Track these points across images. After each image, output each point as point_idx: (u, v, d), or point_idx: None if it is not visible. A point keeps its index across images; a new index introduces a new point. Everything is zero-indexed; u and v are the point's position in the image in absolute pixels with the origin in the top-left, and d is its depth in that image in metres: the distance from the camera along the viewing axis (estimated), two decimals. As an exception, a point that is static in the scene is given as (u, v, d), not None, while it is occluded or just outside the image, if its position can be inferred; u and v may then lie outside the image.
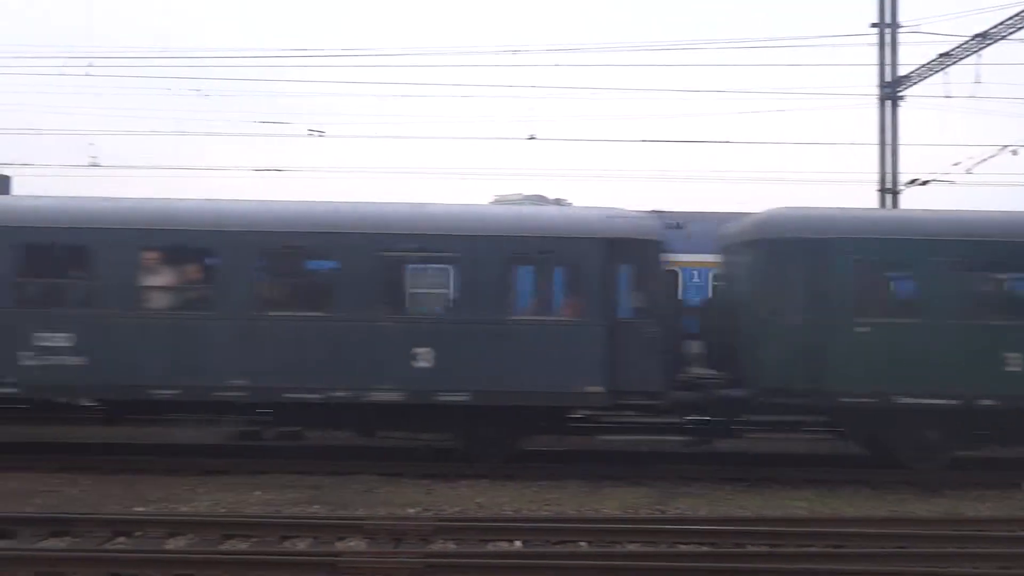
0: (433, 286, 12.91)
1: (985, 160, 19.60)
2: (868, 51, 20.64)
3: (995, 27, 18.56)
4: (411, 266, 12.98)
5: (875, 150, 20.38)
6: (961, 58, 19.11)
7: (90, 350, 12.13)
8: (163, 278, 12.61)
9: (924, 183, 20.29)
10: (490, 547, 8.89)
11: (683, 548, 8.78)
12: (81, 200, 12.84)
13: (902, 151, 20.30)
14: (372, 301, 12.41)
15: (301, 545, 8.83)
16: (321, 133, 21.48)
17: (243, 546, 8.75)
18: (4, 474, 11.87)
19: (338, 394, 12.21)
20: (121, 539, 8.88)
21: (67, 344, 12.13)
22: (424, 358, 12.18)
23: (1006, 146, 19.56)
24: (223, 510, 10.25)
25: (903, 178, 20.38)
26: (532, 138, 19.82)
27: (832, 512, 10.70)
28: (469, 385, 12.22)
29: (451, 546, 8.85)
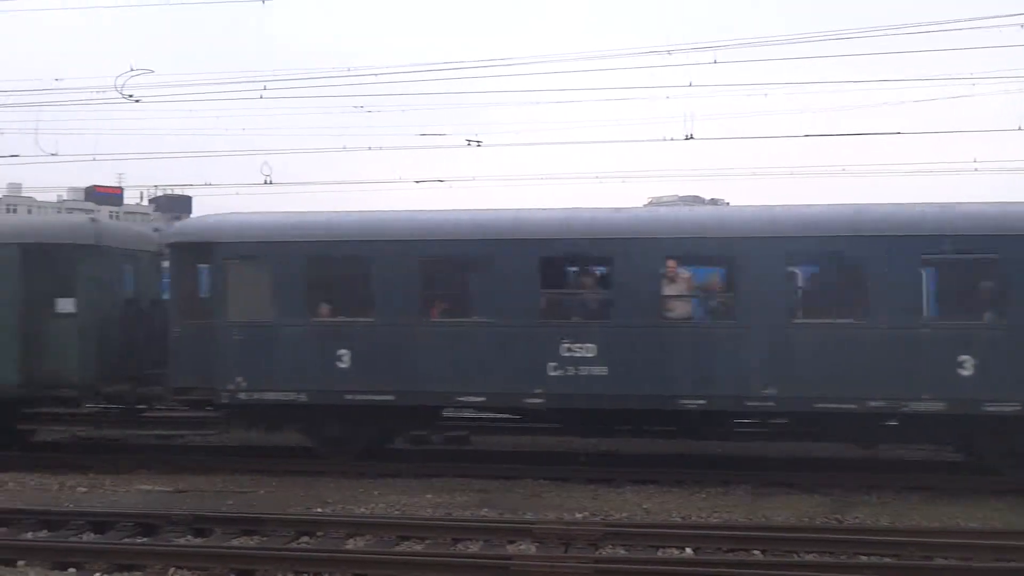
0: (971, 289, 12.15)
1: None
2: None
3: None
4: (946, 269, 12.38)
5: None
6: None
7: (613, 360, 12.11)
8: (685, 287, 12.56)
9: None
10: (660, 553, 8.81)
11: (864, 559, 8.42)
12: (600, 211, 12.95)
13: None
14: (908, 306, 11.77)
15: (473, 548, 9.03)
16: (479, 143, 21.88)
17: (418, 547, 9.04)
18: (196, 476, 12.74)
19: (873, 404, 11.63)
20: (305, 538, 9.35)
21: (591, 355, 12.26)
22: (968, 366, 11.47)
23: None
24: (397, 512, 10.61)
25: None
26: (690, 138, 19.45)
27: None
28: (1020, 395, 11.32)
29: (620, 551, 8.84)
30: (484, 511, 10.65)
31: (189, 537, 9.42)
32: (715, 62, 16.95)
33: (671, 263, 12.25)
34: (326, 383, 12.61)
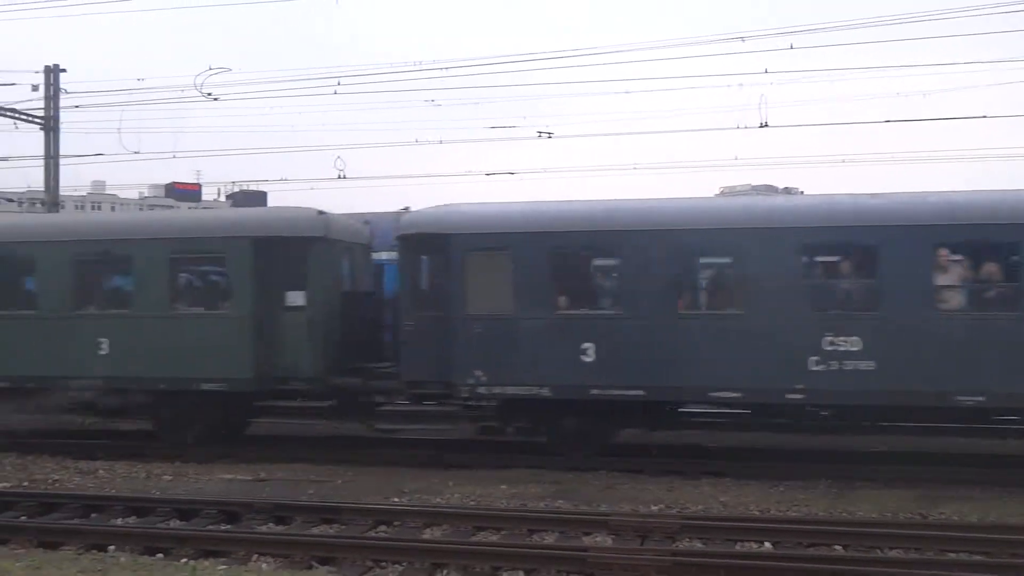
0: None
1: None
2: None
3: None
4: None
5: None
6: None
7: (882, 354, 11.52)
8: (958, 276, 11.99)
9: None
10: (738, 547, 8.70)
11: (952, 556, 8.18)
12: (861, 197, 12.39)
13: None
14: None
15: (549, 539, 9.04)
16: (550, 135, 21.85)
17: (494, 538, 9.08)
18: (275, 465, 13.00)
19: None
20: (382, 527, 9.48)
21: (856, 348, 11.69)
22: None
23: None
24: (473, 503, 10.68)
25: None
26: (764, 125, 19.11)
27: None
28: None
29: (698, 544, 8.74)
30: (559, 503, 10.66)
31: (270, 525, 9.63)
32: (791, 48, 16.57)
33: (943, 252, 11.69)
34: (570, 378, 12.27)
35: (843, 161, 40.40)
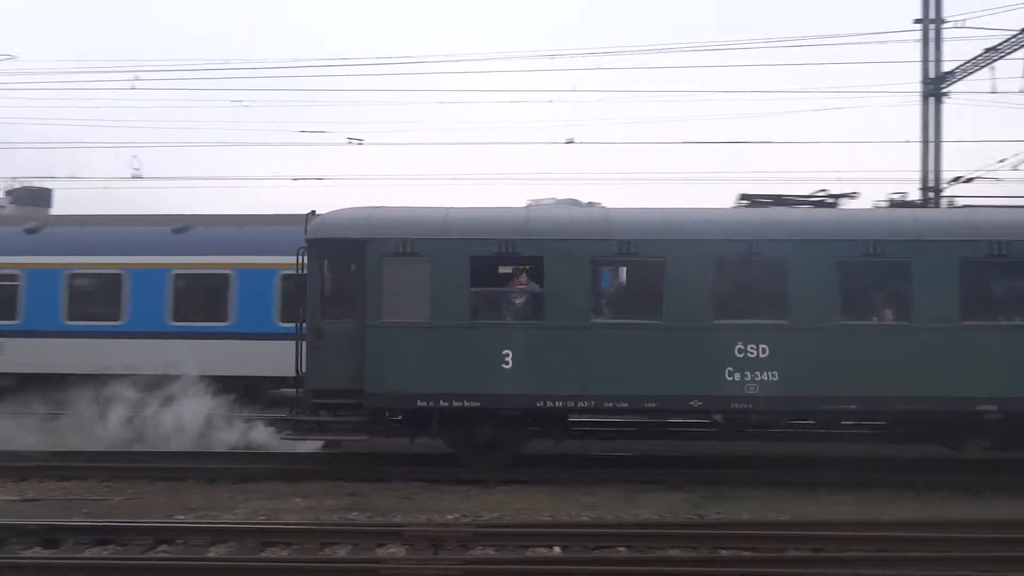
0: None
1: (1032, 156, 18.95)
2: (912, 48, 20.24)
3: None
4: None
5: (918, 148, 19.87)
6: (1008, 53, 18.55)
7: None
8: None
9: (968, 180, 19.73)
10: (529, 553, 8.86)
11: (724, 553, 8.70)
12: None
13: (946, 148, 19.78)
14: None
15: (341, 552, 8.86)
16: (360, 141, 21.59)
17: (284, 553, 8.80)
18: (46, 483, 12.09)
19: None
20: (163, 547, 8.97)
21: None
22: None
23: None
24: (263, 517, 10.30)
25: (947, 176, 19.90)
26: (571, 142, 19.73)
27: (876, 516, 10.46)
28: None
29: (491, 552, 8.83)
30: (354, 515, 10.48)
31: (38, 549, 8.90)
32: (599, 68, 17.18)
33: None
34: None
35: (642, 179, 42.24)
